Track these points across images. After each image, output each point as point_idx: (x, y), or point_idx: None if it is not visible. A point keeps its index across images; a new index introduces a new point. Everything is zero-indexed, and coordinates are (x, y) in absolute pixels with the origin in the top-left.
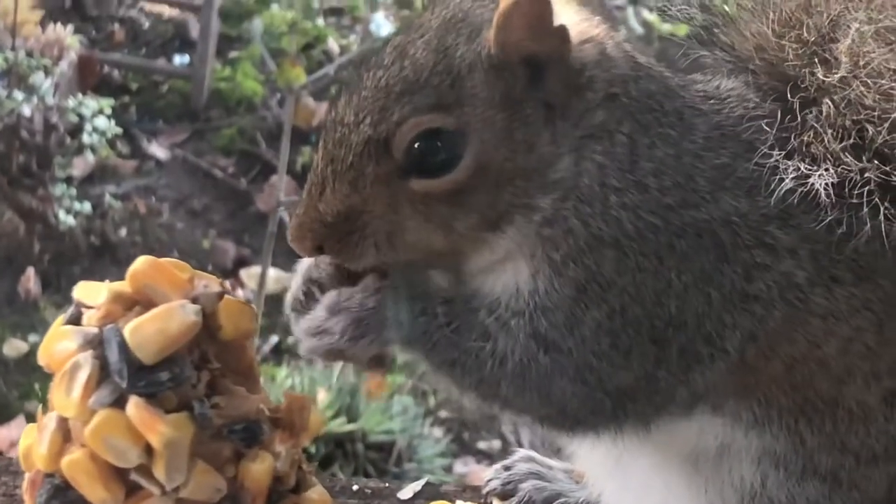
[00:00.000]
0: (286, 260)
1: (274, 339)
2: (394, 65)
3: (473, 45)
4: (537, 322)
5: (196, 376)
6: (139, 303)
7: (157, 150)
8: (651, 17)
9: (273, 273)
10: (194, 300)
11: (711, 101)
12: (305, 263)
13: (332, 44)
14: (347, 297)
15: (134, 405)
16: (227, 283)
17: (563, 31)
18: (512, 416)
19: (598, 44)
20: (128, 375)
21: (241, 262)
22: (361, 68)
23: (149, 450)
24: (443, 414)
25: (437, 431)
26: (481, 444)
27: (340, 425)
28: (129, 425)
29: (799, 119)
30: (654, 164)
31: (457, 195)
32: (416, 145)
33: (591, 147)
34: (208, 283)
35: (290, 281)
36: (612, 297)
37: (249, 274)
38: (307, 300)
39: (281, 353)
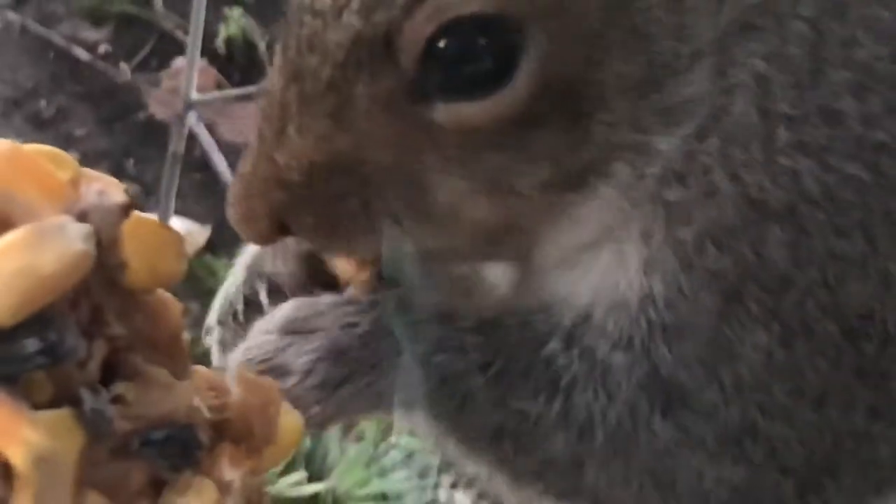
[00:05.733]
0: (200, 201)
1: None
2: None
3: None
4: (655, 356)
5: (86, 348)
6: None
7: None
8: None
9: (178, 224)
10: (81, 217)
11: None
12: (254, 249)
13: None
14: (321, 312)
15: None
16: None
17: None
18: None
19: None
20: None
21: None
22: None
23: (7, 472)
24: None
25: (463, 498)
26: None
27: (296, 485)
28: None
29: None
30: (853, 75)
31: (513, 130)
32: (439, 45)
33: (744, 45)
34: (104, 188)
35: (233, 274)
36: (789, 307)
37: None
38: (249, 311)
39: None
